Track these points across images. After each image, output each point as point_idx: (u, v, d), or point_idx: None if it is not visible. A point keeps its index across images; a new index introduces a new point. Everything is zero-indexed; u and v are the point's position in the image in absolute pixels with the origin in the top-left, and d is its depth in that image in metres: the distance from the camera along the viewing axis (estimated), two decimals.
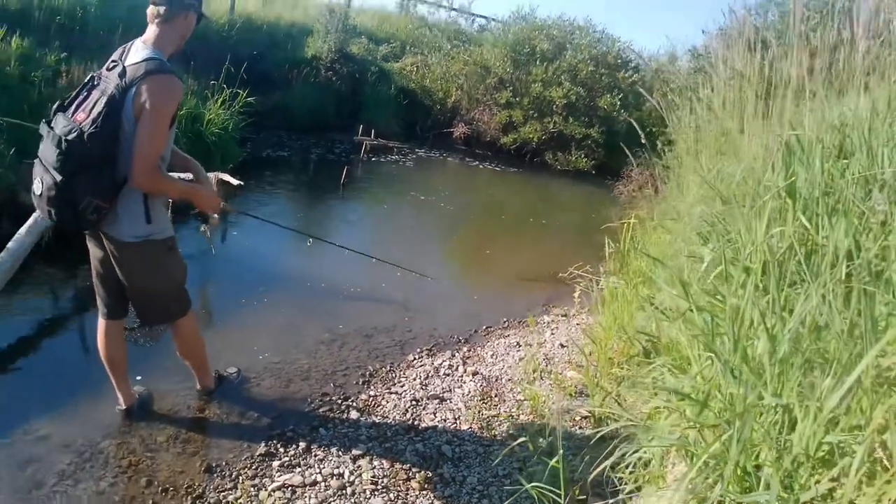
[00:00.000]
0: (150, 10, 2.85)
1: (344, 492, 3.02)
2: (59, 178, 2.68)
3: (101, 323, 3.25)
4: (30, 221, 4.58)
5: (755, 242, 2.38)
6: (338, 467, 3.17)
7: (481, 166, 12.56)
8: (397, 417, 3.72)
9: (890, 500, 1.48)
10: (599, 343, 4.05)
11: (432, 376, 4.28)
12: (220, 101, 8.73)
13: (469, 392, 4.10)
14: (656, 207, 5.78)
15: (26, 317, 4.35)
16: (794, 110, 3.36)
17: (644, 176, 8.95)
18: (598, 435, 2.58)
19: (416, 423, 3.70)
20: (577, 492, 2.66)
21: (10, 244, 4.38)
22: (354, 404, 3.81)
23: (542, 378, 4.28)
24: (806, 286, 2.11)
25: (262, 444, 3.30)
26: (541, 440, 3.30)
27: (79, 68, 7.26)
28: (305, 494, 2.97)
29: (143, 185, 2.81)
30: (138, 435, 3.24)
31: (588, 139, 12.76)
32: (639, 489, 2.51)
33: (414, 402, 3.91)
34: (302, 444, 3.33)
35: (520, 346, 4.87)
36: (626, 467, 2.39)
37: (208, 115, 8.29)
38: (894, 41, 3.29)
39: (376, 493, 3.03)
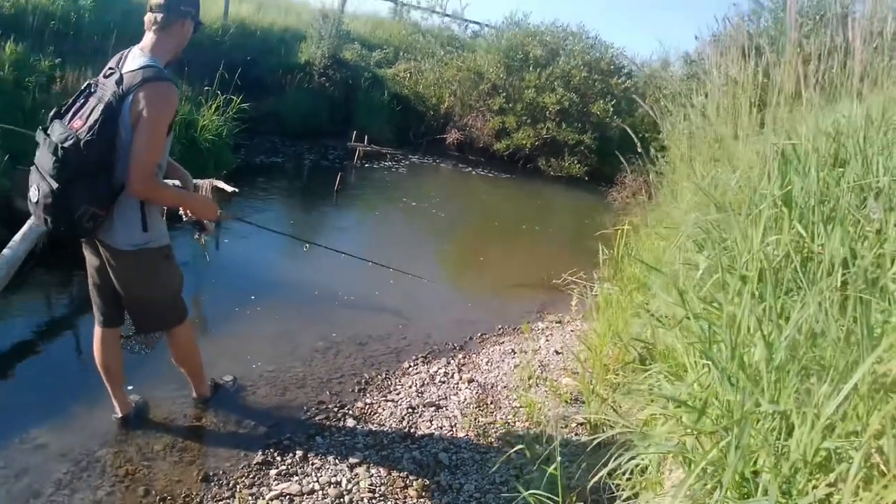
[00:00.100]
0: (148, 17, 2.85)
1: (342, 500, 3.01)
2: (55, 185, 2.68)
3: (97, 331, 3.24)
4: (24, 228, 4.57)
5: (752, 250, 2.39)
6: (335, 476, 3.17)
7: (474, 172, 12.58)
8: (394, 425, 3.72)
9: None
10: (594, 350, 4.07)
11: (428, 384, 4.28)
12: (213, 107, 8.73)
13: (465, 399, 4.10)
14: (650, 214, 5.80)
15: (21, 324, 4.33)
16: (789, 117, 3.39)
17: (638, 182, 8.99)
18: (595, 442, 2.59)
19: (412, 430, 3.70)
20: (574, 498, 2.67)
21: (4, 251, 4.38)
22: (351, 412, 3.81)
23: (537, 385, 4.29)
24: (802, 294, 2.13)
25: (259, 453, 3.29)
26: (537, 447, 3.31)
27: (73, 74, 7.25)
28: (303, 503, 2.97)
29: (140, 192, 2.81)
30: (135, 443, 3.23)
31: (581, 145, 12.80)
32: (636, 495, 2.51)
33: (410, 410, 3.91)
34: (299, 453, 3.32)
35: (515, 352, 4.88)
36: (623, 474, 2.40)
37: (202, 122, 8.28)
38: (888, 48, 3.31)
39: (374, 501, 3.03)
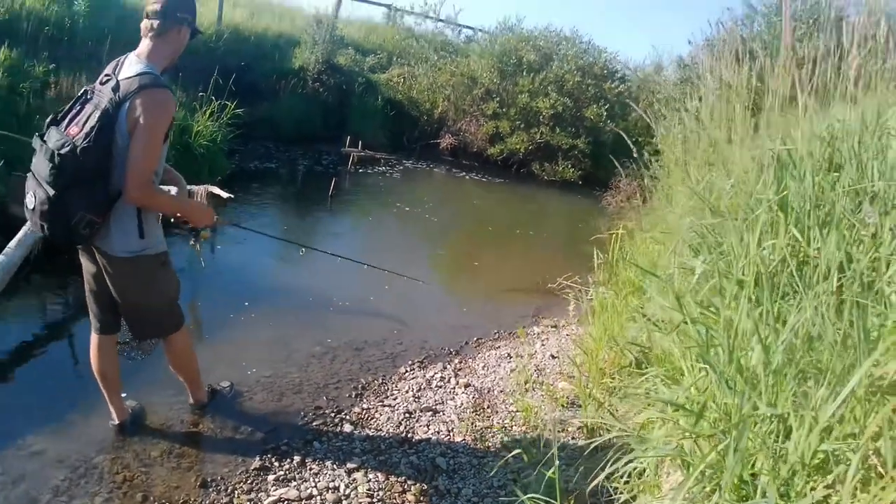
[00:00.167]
0: (144, 23, 2.85)
1: None
2: (52, 192, 2.68)
3: (94, 338, 3.23)
4: (20, 234, 4.56)
5: (748, 255, 2.41)
6: (333, 481, 3.17)
7: (468, 177, 12.60)
8: (391, 430, 3.73)
9: None
10: (590, 354, 4.08)
11: (424, 388, 4.28)
12: (208, 113, 8.72)
13: (462, 404, 4.11)
14: (645, 218, 5.83)
15: (17, 331, 4.32)
16: (783, 122, 3.41)
17: (632, 186, 9.01)
18: (592, 445, 2.60)
19: (409, 435, 3.70)
20: (572, 501, 2.68)
21: None
22: (348, 417, 3.81)
23: (533, 389, 4.30)
24: (799, 298, 2.15)
25: (257, 459, 3.29)
26: (534, 451, 3.31)
27: (67, 79, 7.25)
28: None
29: (137, 199, 2.81)
30: (132, 450, 3.22)
31: (575, 150, 12.84)
32: (634, 498, 2.52)
33: (407, 415, 3.91)
34: (297, 458, 3.32)
35: (511, 357, 4.89)
36: (621, 477, 2.41)
37: (196, 127, 8.28)
38: (881, 51, 3.34)
39: None
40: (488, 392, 4.30)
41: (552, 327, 5.65)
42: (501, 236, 9.03)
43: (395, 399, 4.10)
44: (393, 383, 4.33)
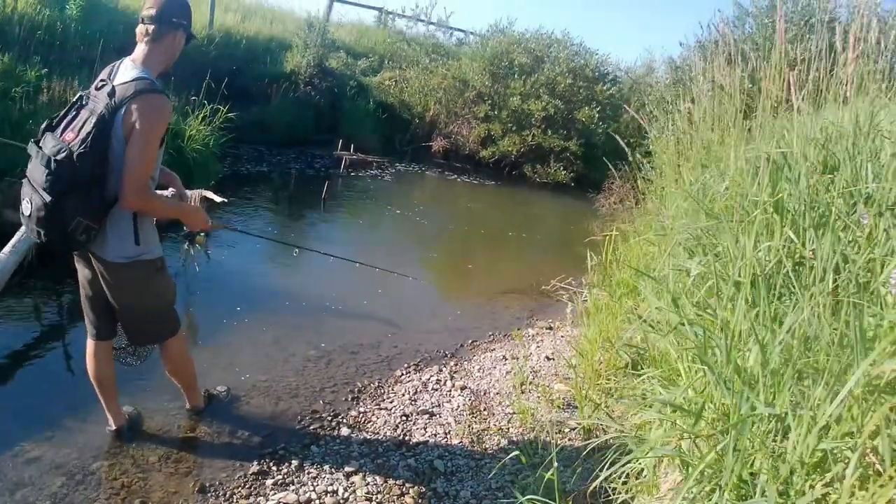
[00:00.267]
0: (139, 28, 2.85)
1: None
2: (48, 198, 2.67)
3: (90, 344, 3.22)
4: (14, 240, 4.54)
5: (744, 256, 2.42)
6: (331, 484, 3.17)
7: (460, 180, 12.63)
8: (388, 433, 3.73)
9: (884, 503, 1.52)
10: (586, 355, 4.09)
11: (421, 391, 4.29)
12: (200, 117, 8.70)
13: (458, 406, 4.12)
14: (638, 220, 5.85)
15: (12, 337, 4.29)
16: (776, 124, 3.43)
17: (625, 188, 9.04)
18: (590, 446, 2.61)
19: (407, 438, 3.71)
20: (570, 502, 2.69)
21: None
22: (345, 421, 3.81)
23: (530, 391, 4.31)
24: (795, 299, 2.16)
25: (255, 463, 3.28)
26: (532, 453, 3.32)
27: (59, 84, 7.21)
28: None
29: (133, 205, 2.80)
30: (130, 455, 3.22)
31: (567, 152, 12.89)
32: (632, 499, 2.54)
33: (404, 418, 3.91)
34: (294, 462, 3.32)
35: (506, 359, 4.89)
36: (619, 477, 2.42)
37: (189, 131, 8.26)
38: (872, 53, 3.36)
39: None
40: (484, 394, 4.31)
41: (547, 329, 5.66)
42: (494, 238, 9.05)
43: (391, 402, 4.11)
44: (389, 386, 4.33)
